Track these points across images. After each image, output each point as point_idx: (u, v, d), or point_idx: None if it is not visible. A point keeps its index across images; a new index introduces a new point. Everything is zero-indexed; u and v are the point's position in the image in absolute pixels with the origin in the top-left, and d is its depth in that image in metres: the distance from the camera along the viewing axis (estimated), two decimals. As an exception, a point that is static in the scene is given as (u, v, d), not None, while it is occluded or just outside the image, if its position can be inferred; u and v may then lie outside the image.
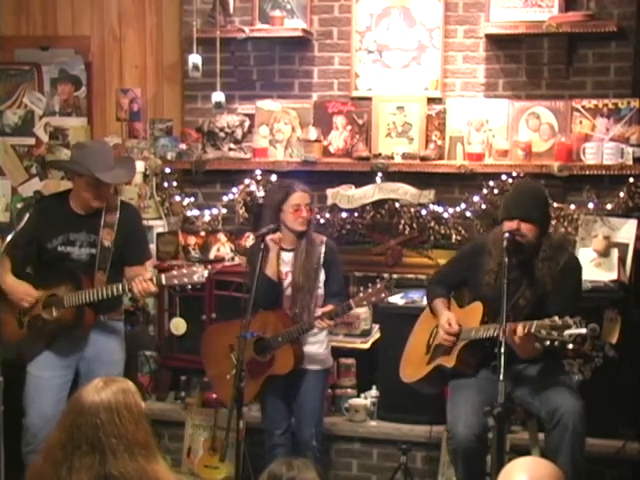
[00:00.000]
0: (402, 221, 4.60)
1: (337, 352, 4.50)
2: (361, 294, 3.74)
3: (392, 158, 4.59)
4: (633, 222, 4.30)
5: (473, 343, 3.53)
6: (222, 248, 4.77)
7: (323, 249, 3.96)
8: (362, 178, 4.66)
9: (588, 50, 4.50)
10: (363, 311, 4.51)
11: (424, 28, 4.66)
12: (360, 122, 4.73)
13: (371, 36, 4.73)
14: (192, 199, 4.95)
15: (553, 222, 4.28)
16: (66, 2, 5.27)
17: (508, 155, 4.51)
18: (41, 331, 3.87)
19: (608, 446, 4.02)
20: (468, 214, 4.53)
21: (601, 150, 4.37)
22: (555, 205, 4.38)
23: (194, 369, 4.65)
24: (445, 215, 4.55)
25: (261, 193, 4.76)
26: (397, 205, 4.61)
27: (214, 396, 4.47)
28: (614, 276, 4.24)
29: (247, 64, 4.91)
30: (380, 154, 4.62)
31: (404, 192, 4.58)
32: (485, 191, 4.49)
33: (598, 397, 3.85)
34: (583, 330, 3.09)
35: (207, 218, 4.88)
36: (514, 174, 4.43)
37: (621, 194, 4.37)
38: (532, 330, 3.19)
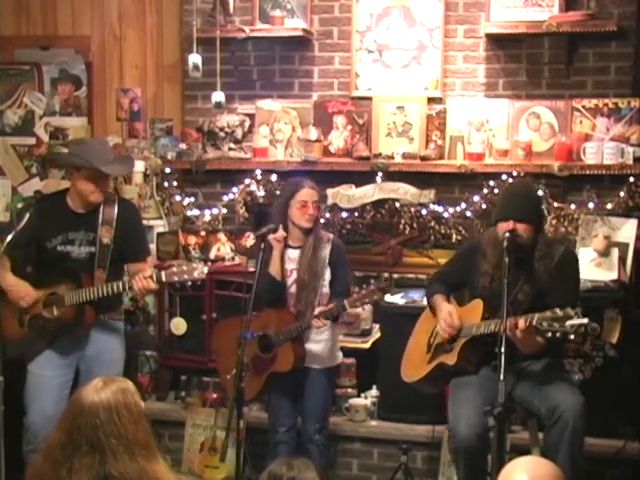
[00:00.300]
0: (402, 221, 4.60)
1: (337, 352, 4.52)
2: (355, 295, 3.74)
3: (392, 158, 4.59)
4: (633, 222, 4.30)
5: (474, 340, 3.53)
6: (222, 248, 4.77)
7: (330, 247, 3.95)
8: (362, 178, 4.66)
9: (588, 50, 4.50)
10: (363, 311, 4.51)
11: (424, 28, 4.66)
12: (360, 122, 4.73)
13: (371, 36, 4.73)
14: (192, 199, 4.95)
15: (553, 222, 4.29)
16: (66, 2, 5.27)
17: (508, 155, 4.51)
18: (42, 330, 3.88)
19: (608, 446, 4.02)
20: (468, 214, 4.53)
21: (601, 150, 4.36)
22: (555, 205, 4.38)
23: (194, 369, 4.66)
24: (445, 215, 4.55)
25: (261, 193, 4.76)
26: (397, 205, 4.61)
27: (214, 396, 4.48)
28: (614, 276, 4.23)
29: (247, 64, 4.91)
30: (380, 154, 4.62)
31: (404, 192, 4.58)
32: (485, 191, 4.49)
33: (598, 397, 3.85)
34: (585, 320, 3.10)
35: (207, 218, 4.88)
36: (514, 174, 4.43)
37: (621, 194, 4.36)
38: (534, 323, 3.20)
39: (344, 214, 4.68)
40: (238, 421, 3.50)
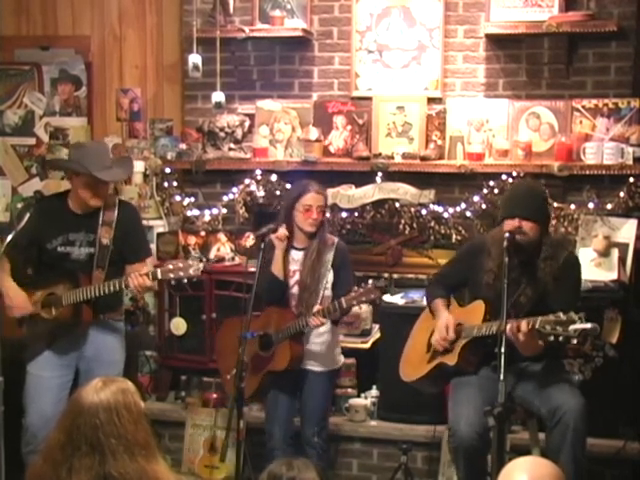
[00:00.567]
0: (402, 221, 4.60)
1: (337, 352, 4.52)
2: (352, 293, 3.74)
3: (392, 158, 4.59)
4: (633, 222, 4.30)
5: (475, 341, 3.53)
6: (222, 248, 4.76)
7: (334, 251, 3.95)
8: (362, 178, 4.65)
9: (588, 50, 4.49)
10: (363, 311, 4.52)
11: (424, 28, 4.66)
12: (360, 122, 4.73)
13: (371, 36, 4.73)
14: (192, 199, 4.95)
15: (553, 222, 4.28)
16: (66, 2, 5.26)
17: (508, 155, 4.51)
18: (41, 330, 3.88)
19: (608, 446, 4.02)
20: (468, 214, 4.52)
21: (601, 150, 4.36)
22: (555, 205, 4.38)
23: (194, 369, 4.66)
24: (445, 215, 4.55)
25: (261, 193, 4.76)
26: (397, 205, 4.60)
27: (214, 396, 4.48)
28: (614, 276, 4.23)
29: (247, 64, 4.91)
30: (380, 154, 4.62)
31: (404, 192, 4.58)
32: (485, 191, 4.49)
33: (598, 397, 3.85)
34: (588, 325, 3.10)
35: (207, 218, 4.88)
36: (514, 174, 4.42)
37: (621, 194, 4.36)
38: (536, 326, 3.20)
39: (344, 214, 4.67)
40: (238, 421, 3.50)
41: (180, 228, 4.90)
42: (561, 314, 3.15)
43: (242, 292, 4.10)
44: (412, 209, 4.59)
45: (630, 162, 4.32)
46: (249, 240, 4.71)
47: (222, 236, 4.79)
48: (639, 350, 4.07)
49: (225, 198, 4.87)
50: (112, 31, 5.22)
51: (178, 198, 4.92)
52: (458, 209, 4.54)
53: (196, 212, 4.90)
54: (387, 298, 4.44)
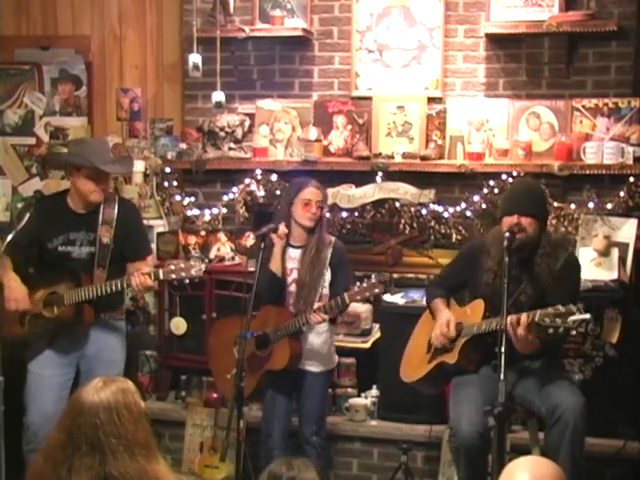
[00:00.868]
0: (402, 221, 4.60)
1: (337, 352, 4.50)
2: (355, 288, 3.73)
3: (392, 157, 4.59)
4: (633, 222, 4.30)
5: (475, 339, 3.54)
6: (222, 248, 4.76)
7: (331, 250, 3.95)
8: (362, 178, 4.65)
9: (588, 49, 4.49)
10: (363, 310, 4.52)
11: (424, 28, 4.66)
12: (360, 121, 4.73)
13: (371, 35, 4.73)
14: (192, 199, 4.95)
15: (553, 222, 4.29)
16: (66, 2, 5.26)
17: (508, 154, 4.51)
18: (42, 329, 3.88)
19: (608, 445, 4.02)
20: (468, 214, 4.53)
21: (601, 149, 4.36)
22: (555, 204, 4.38)
23: (194, 369, 4.65)
24: (445, 215, 4.55)
25: (261, 193, 4.76)
26: (397, 205, 4.61)
27: (215, 395, 4.48)
28: (614, 276, 4.23)
29: (247, 64, 4.91)
30: (380, 153, 4.62)
31: (404, 191, 4.58)
32: (485, 190, 4.49)
33: (598, 396, 3.85)
34: (587, 315, 3.12)
35: (207, 218, 4.88)
36: (514, 173, 4.43)
37: (621, 193, 4.36)
38: (536, 319, 3.21)
39: (344, 214, 4.67)
40: (238, 421, 3.50)
41: (180, 228, 4.90)
42: (560, 306, 3.17)
43: (242, 292, 4.10)
44: (412, 209, 4.59)
45: (630, 162, 4.32)
46: (249, 240, 4.71)
47: (222, 236, 4.79)
48: (639, 350, 4.07)
49: (225, 198, 4.87)
50: (112, 31, 5.22)
51: (178, 198, 4.92)
52: (458, 209, 4.54)
53: (196, 212, 4.90)
54: (387, 298, 4.44)
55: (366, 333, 4.55)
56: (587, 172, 4.39)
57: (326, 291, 3.92)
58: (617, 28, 4.32)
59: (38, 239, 3.91)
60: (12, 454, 3.64)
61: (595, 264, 4.29)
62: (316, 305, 3.81)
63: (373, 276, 3.78)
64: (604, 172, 4.37)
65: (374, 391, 4.47)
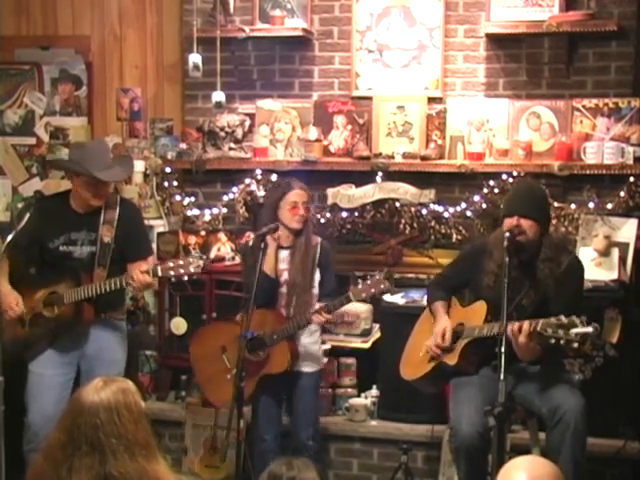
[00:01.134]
0: (402, 221, 4.60)
1: (337, 352, 4.52)
2: (360, 286, 3.72)
3: (392, 157, 4.59)
4: (633, 221, 4.30)
5: (475, 341, 3.53)
6: (222, 248, 4.76)
7: (318, 250, 3.96)
8: (362, 178, 4.65)
9: (588, 49, 4.49)
10: (363, 310, 4.52)
11: (424, 27, 4.66)
12: (360, 121, 4.72)
13: (371, 35, 4.73)
14: (192, 199, 4.95)
15: (554, 222, 4.28)
16: (66, 2, 5.26)
17: (508, 154, 4.51)
18: (43, 329, 3.89)
19: (608, 445, 4.02)
20: (468, 214, 4.52)
21: (601, 149, 4.36)
22: (556, 204, 4.38)
23: (194, 369, 4.65)
24: (445, 215, 4.55)
25: (261, 193, 4.76)
26: (397, 205, 4.60)
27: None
28: (614, 276, 4.23)
29: (247, 64, 4.91)
30: (380, 153, 4.62)
31: (404, 191, 4.58)
32: (485, 191, 4.49)
33: (599, 396, 3.85)
34: (590, 329, 3.10)
35: (207, 218, 4.88)
36: (514, 173, 4.43)
37: (621, 193, 4.36)
38: (538, 328, 3.20)
39: (344, 214, 4.67)
40: (238, 421, 3.49)
41: (180, 228, 4.90)
42: (563, 317, 3.16)
43: (242, 292, 4.10)
44: (412, 209, 4.58)
45: (630, 162, 4.32)
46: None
47: (222, 236, 4.79)
48: (639, 350, 4.07)
49: (225, 198, 4.87)
50: (112, 31, 5.22)
51: (178, 198, 4.92)
52: (458, 209, 4.54)
53: (196, 212, 4.90)
54: (387, 298, 4.44)
55: (366, 333, 4.54)
56: (587, 172, 4.39)
57: (316, 291, 3.93)
58: (617, 28, 4.31)
59: (39, 239, 3.91)
60: (12, 454, 3.64)
61: (595, 264, 4.29)
62: (318, 305, 3.80)
63: (378, 273, 3.77)
64: (604, 172, 4.37)
65: (374, 391, 4.47)
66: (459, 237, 4.53)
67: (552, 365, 3.58)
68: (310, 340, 3.94)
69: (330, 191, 4.68)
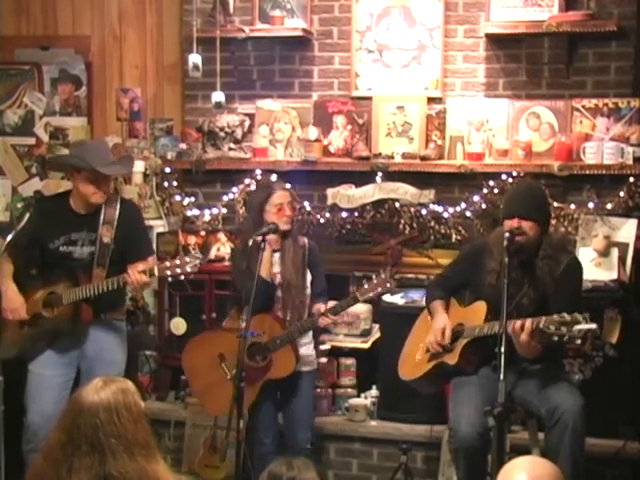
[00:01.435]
0: (402, 221, 4.60)
1: (337, 352, 4.52)
2: (366, 286, 3.71)
3: (392, 158, 4.59)
4: (633, 222, 4.30)
5: (476, 340, 3.53)
6: (222, 248, 4.76)
7: (307, 250, 3.96)
8: (362, 178, 4.65)
9: (588, 50, 4.49)
10: (363, 310, 4.52)
11: (424, 28, 4.66)
12: (360, 122, 4.73)
13: (371, 36, 4.73)
14: (192, 199, 4.95)
15: (553, 222, 4.28)
16: (66, 2, 5.27)
17: (508, 155, 4.51)
18: (42, 330, 3.89)
19: (608, 446, 4.02)
20: (468, 214, 4.53)
21: (601, 150, 4.36)
22: (555, 205, 4.38)
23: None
24: (445, 215, 4.55)
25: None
26: (397, 205, 4.61)
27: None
28: (614, 276, 4.23)
29: (247, 64, 4.91)
30: (380, 154, 4.62)
31: (404, 192, 4.58)
32: (485, 191, 4.49)
33: (598, 397, 3.85)
34: (593, 325, 3.11)
35: (207, 218, 4.88)
36: (514, 174, 4.43)
37: (621, 194, 4.36)
38: (541, 325, 3.20)
39: (344, 214, 4.68)
40: (238, 421, 3.49)
41: (180, 228, 4.90)
42: (565, 314, 3.16)
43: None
44: (412, 209, 4.59)
45: (630, 162, 4.32)
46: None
47: (222, 236, 4.79)
48: (639, 350, 4.07)
49: (225, 198, 4.88)
50: (112, 31, 5.22)
51: (178, 198, 4.92)
52: (458, 209, 4.54)
53: (196, 212, 4.91)
54: (387, 298, 4.43)
55: (366, 333, 4.55)
56: (587, 172, 4.39)
57: (308, 291, 3.94)
58: (617, 28, 4.31)
59: (39, 239, 3.91)
60: (12, 454, 3.65)
61: (595, 264, 4.29)
62: (323, 307, 3.79)
63: (382, 271, 3.76)
64: (604, 172, 4.37)
65: (374, 391, 4.47)
66: (459, 237, 4.53)
67: (551, 364, 3.58)
68: (306, 339, 3.94)
69: (330, 191, 4.68)
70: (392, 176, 4.61)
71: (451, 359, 3.59)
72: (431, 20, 4.64)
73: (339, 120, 4.75)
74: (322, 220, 4.66)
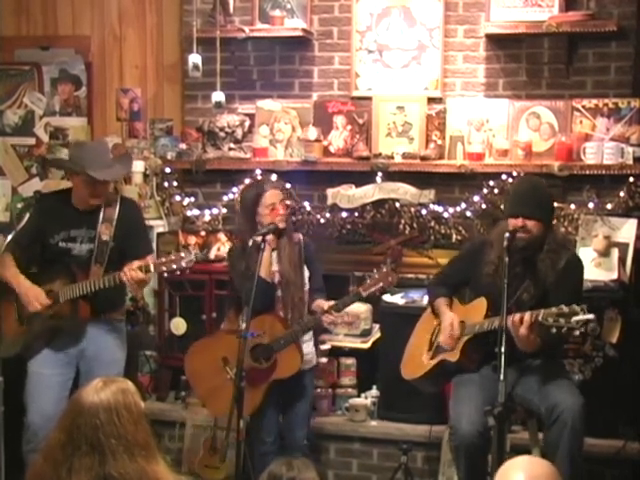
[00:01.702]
0: (402, 221, 4.60)
1: (337, 352, 4.52)
2: (368, 281, 3.70)
3: (392, 158, 4.59)
4: (633, 222, 4.30)
5: (477, 338, 3.54)
6: (222, 248, 4.76)
7: (303, 247, 3.96)
8: (362, 178, 4.65)
9: (588, 50, 4.49)
10: (363, 310, 4.52)
11: (424, 28, 4.66)
12: (360, 122, 4.73)
13: (371, 36, 4.73)
14: (192, 199, 4.95)
15: (553, 222, 4.28)
16: (66, 2, 5.26)
17: (508, 155, 4.51)
18: (41, 327, 3.89)
19: (608, 446, 4.02)
20: (468, 214, 4.52)
21: (601, 150, 4.36)
22: (555, 205, 4.37)
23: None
24: (445, 215, 4.55)
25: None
26: (397, 205, 4.60)
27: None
28: (614, 276, 4.23)
29: (247, 64, 4.91)
30: (380, 154, 4.62)
31: (404, 192, 4.58)
32: (485, 191, 4.49)
33: (598, 397, 3.85)
34: (591, 316, 3.13)
35: (207, 218, 4.89)
36: (514, 174, 4.42)
37: (621, 194, 4.36)
38: (539, 318, 3.21)
39: (344, 214, 4.67)
40: (238, 421, 3.49)
41: (180, 228, 4.90)
42: (564, 306, 3.18)
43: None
44: (412, 209, 4.59)
45: (630, 162, 4.32)
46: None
47: (222, 236, 4.79)
48: (639, 350, 4.07)
49: (225, 198, 4.88)
50: (112, 31, 5.22)
51: (178, 198, 4.92)
52: (458, 209, 4.54)
53: (196, 212, 4.91)
54: (387, 298, 4.44)
55: (366, 333, 4.55)
56: (587, 172, 4.39)
57: (306, 287, 3.93)
58: (617, 28, 4.31)
59: (40, 235, 3.92)
60: (12, 454, 3.64)
61: (595, 264, 4.29)
62: (325, 304, 3.78)
63: (383, 265, 3.74)
64: (604, 172, 4.37)
65: (374, 391, 4.47)
66: (459, 237, 4.53)
67: (552, 363, 3.59)
68: (305, 337, 3.93)
69: (330, 191, 4.68)
70: (392, 176, 4.61)
71: (452, 357, 3.60)
72: (431, 20, 4.64)
73: (339, 120, 4.75)
74: (322, 220, 4.66)
